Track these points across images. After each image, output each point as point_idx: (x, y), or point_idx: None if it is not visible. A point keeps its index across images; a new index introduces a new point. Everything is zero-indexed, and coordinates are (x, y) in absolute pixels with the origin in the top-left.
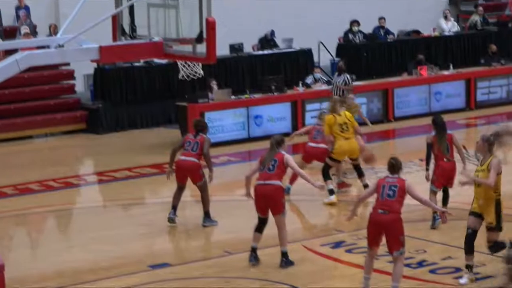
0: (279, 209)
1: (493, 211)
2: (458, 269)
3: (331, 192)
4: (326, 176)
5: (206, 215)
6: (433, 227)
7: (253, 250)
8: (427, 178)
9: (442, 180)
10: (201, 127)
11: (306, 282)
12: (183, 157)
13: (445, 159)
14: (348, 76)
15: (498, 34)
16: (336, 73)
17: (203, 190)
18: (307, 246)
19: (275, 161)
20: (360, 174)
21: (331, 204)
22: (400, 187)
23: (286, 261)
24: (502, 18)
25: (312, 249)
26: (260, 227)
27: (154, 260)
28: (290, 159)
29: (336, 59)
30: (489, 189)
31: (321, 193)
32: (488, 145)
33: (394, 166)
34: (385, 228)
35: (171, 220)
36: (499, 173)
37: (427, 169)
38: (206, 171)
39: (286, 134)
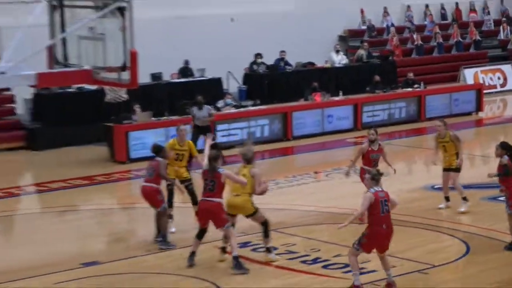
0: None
1: None
2: (346, 265)
3: None
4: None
5: (163, 238)
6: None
7: (192, 253)
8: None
9: None
10: (155, 151)
11: (215, 275)
12: (143, 183)
13: None
14: (210, 107)
15: (381, 66)
16: (196, 107)
17: (161, 215)
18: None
19: (213, 181)
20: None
21: None
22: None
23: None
24: (384, 53)
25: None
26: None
27: (86, 259)
28: (229, 173)
29: (243, 86)
30: None
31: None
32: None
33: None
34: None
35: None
36: None
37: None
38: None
39: None
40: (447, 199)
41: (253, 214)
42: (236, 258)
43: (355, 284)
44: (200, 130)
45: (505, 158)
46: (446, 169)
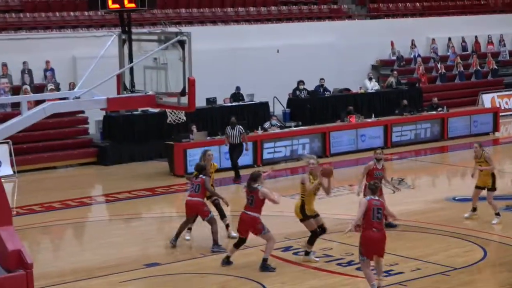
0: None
1: None
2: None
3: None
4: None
5: (214, 242)
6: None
7: (227, 258)
8: None
9: None
10: (199, 170)
11: (261, 276)
12: (189, 198)
13: None
14: (241, 127)
15: (408, 91)
16: (229, 127)
17: (211, 223)
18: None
19: (252, 197)
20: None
21: None
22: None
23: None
24: (411, 80)
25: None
26: (238, 244)
27: (148, 260)
28: (265, 192)
29: (287, 109)
30: None
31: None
32: None
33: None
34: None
35: (171, 243)
36: None
37: None
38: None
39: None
40: (473, 209)
41: (302, 220)
42: (265, 260)
43: None
44: (233, 148)
45: None
46: (478, 187)
